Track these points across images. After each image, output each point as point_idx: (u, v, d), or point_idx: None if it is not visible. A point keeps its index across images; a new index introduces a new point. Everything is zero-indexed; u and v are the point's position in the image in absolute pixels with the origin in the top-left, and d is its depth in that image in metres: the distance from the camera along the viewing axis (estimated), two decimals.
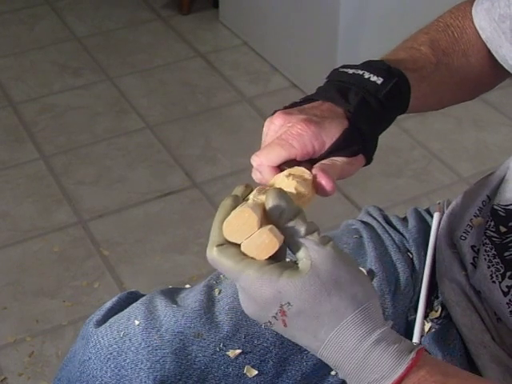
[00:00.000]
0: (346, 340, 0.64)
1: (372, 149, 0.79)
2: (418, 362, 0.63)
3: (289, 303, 0.64)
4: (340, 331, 0.64)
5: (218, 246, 0.65)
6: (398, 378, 0.63)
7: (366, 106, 0.77)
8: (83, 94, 2.53)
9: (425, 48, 0.89)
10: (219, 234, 0.66)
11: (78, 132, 2.36)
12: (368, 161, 0.79)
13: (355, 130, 0.76)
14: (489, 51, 0.91)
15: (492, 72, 0.93)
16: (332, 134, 0.75)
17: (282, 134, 0.75)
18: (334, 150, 0.75)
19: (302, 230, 0.65)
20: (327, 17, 2.27)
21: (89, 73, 2.63)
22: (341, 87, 0.79)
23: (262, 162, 0.74)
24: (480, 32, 0.91)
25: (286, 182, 0.71)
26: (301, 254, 0.65)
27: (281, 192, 0.67)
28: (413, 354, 0.64)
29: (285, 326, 0.65)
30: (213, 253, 0.65)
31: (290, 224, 0.65)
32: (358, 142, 0.76)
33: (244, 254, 0.65)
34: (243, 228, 0.65)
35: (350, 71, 0.80)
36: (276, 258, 0.65)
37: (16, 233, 2.00)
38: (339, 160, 0.75)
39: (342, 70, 0.81)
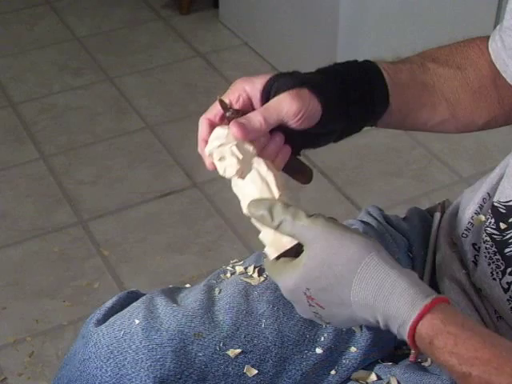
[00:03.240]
0: (365, 296, 0.69)
1: (322, 94, 0.77)
2: (431, 308, 0.67)
3: (307, 289, 0.71)
4: (356, 291, 0.69)
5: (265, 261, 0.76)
6: (412, 324, 0.66)
7: (317, 70, 0.81)
8: (83, 94, 2.53)
9: (412, 56, 0.89)
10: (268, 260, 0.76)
11: (78, 132, 2.36)
12: (322, 100, 0.77)
13: (288, 73, 0.79)
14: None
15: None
16: (264, 78, 0.79)
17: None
18: (267, 91, 0.78)
19: (287, 220, 0.72)
20: (327, 17, 2.27)
21: (89, 73, 2.64)
22: None
23: (202, 118, 0.79)
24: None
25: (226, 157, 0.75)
26: (300, 240, 0.72)
27: (250, 207, 0.74)
28: (427, 300, 0.67)
29: (322, 307, 0.72)
30: (266, 270, 0.77)
31: (276, 222, 0.72)
32: (292, 78, 0.78)
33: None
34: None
35: None
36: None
37: (16, 233, 2.00)
38: (275, 100, 0.76)
39: None
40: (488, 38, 0.91)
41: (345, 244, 0.70)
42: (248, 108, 0.78)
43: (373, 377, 0.88)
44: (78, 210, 2.07)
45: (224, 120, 0.78)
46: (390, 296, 0.68)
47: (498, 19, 2.44)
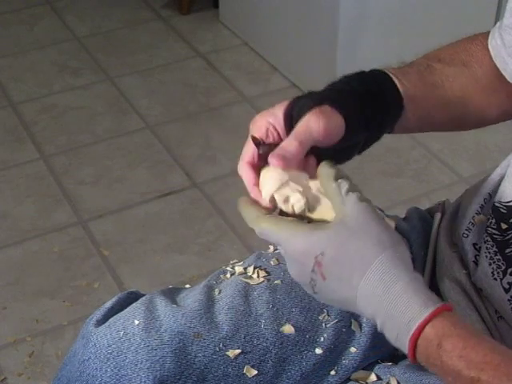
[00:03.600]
0: (377, 284, 0.67)
1: (343, 107, 0.78)
2: (443, 311, 0.66)
3: (322, 253, 0.69)
4: (370, 275, 0.67)
5: (259, 218, 0.73)
6: (424, 321, 0.65)
7: (330, 86, 0.81)
8: (83, 94, 2.53)
9: (416, 60, 0.89)
10: (255, 210, 0.74)
11: (78, 132, 2.36)
12: (344, 113, 0.78)
13: (305, 95, 0.80)
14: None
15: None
16: (282, 106, 0.80)
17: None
18: (289, 115, 0.78)
19: (345, 188, 0.71)
20: (327, 17, 2.27)
21: (89, 73, 2.64)
22: None
23: (242, 164, 0.78)
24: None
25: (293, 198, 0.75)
26: (338, 209, 0.71)
27: (330, 164, 0.74)
28: (439, 304, 0.66)
29: (324, 278, 0.69)
30: (260, 224, 0.73)
31: (335, 184, 0.72)
32: (312, 97, 0.79)
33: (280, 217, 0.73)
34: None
35: None
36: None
37: (16, 233, 2.00)
38: (302, 122, 0.76)
39: None
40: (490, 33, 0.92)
41: (380, 227, 0.70)
42: (279, 140, 0.79)
43: (373, 377, 0.88)
44: (77, 209, 2.07)
45: (261, 158, 0.78)
46: (402, 293, 0.66)
47: (497, 19, 2.44)
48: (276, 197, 0.74)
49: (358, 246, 0.68)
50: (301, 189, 0.74)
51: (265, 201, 0.75)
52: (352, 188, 0.71)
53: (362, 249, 0.68)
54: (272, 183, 0.74)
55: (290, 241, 0.70)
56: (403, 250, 0.70)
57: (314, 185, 0.75)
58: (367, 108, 0.80)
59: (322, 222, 0.72)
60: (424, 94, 0.86)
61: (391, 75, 0.84)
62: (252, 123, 0.80)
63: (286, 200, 0.74)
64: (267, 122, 0.79)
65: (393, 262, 0.68)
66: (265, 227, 0.72)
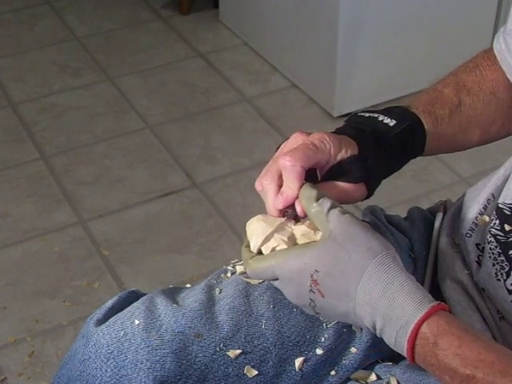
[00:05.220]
0: (373, 288, 0.69)
1: (375, 183, 0.83)
2: (438, 311, 0.67)
3: (316, 270, 0.71)
4: (365, 282, 0.69)
5: (251, 258, 0.76)
6: (419, 320, 0.67)
7: (377, 144, 0.81)
8: (83, 94, 2.53)
9: (448, 90, 0.90)
10: (247, 252, 0.77)
11: (78, 132, 2.36)
12: (369, 193, 0.83)
13: (362, 159, 0.80)
14: None
15: None
16: (344, 152, 0.80)
17: (305, 140, 0.78)
18: (338, 170, 0.79)
19: (327, 206, 0.73)
20: (327, 17, 2.27)
21: (89, 73, 2.64)
22: (356, 128, 0.83)
23: (295, 163, 0.76)
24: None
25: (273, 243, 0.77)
26: (324, 228, 0.73)
27: (311, 185, 0.76)
28: (434, 303, 0.68)
29: (322, 296, 0.71)
30: (250, 265, 0.76)
31: (316, 204, 0.74)
32: (362, 170, 0.80)
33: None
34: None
35: (367, 115, 0.85)
36: None
37: (16, 233, 2.00)
38: (337, 184, 0.79)
39: (359, 114, 0.86)
40: None
41: (367, 235, 0.72)
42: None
43: (373, 377, 0.88)
44: (77, 209, 2.07)
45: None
46: (397, 295, 0.68)
47: (497, 19, 2.43)
48: (263, 250, 0.77)
49: (349, 257, 0.70)
50: (285, 238, 0.76)
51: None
52: (333, 205, 0.74)
53: (353, 259, 0.70)
54: (257, 237, 0.77)
55: (284, 263, 0.73)
56: (393, 252, 0.72)
57: (298, 230, 0.77)
58: (392, 169, 0.85)
59: (310, 243, 0.74)
60: (447, 140, 0.90)
61: (425, 125, 0.85)
62: (325, 143, 0.79)
63: (273, 249, 0.76)
64: (329, 152, 0.79)
65: (385, 266, 0.70)
66: (254, 266, 0.75)
